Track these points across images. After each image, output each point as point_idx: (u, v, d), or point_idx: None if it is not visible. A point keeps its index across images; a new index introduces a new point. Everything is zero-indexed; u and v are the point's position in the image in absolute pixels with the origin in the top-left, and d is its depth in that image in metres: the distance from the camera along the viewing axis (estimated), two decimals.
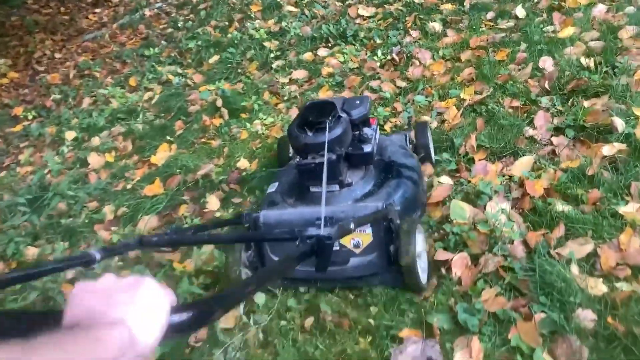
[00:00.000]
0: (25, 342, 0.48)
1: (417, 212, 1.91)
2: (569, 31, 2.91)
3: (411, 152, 2.14)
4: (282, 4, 4.64)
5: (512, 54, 2.89)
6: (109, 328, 0.55)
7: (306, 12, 4.29)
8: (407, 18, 3.69)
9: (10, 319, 0.62)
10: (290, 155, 2.20)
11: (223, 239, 1.88)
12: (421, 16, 3.64)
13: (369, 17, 3.92)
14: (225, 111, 3.23)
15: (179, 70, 4.01)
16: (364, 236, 1.71)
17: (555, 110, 2.38)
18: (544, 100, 2.44)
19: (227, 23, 4.66)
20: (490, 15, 3.43)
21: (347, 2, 4.29)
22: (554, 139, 2.25)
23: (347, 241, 1.72)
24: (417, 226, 1.70)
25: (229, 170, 2.64)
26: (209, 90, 3.51)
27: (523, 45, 2.94)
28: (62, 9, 6.37)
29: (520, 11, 3.32)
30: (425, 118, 2.59)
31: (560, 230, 1.77)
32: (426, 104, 2.71)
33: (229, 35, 4.21)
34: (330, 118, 1.75)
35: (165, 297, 0.62)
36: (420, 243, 1.72)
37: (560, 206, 1.86)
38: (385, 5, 3.98)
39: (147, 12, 5.72)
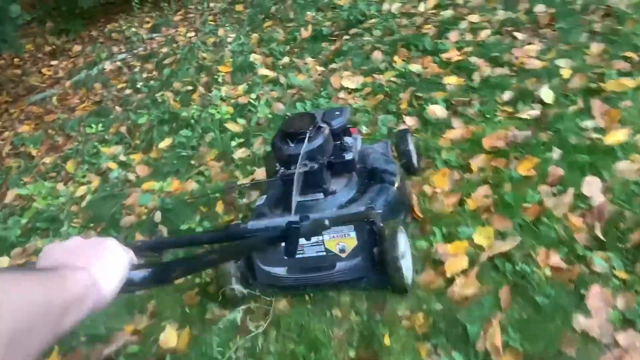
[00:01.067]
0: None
1: (401, 215, 1.96)
2: (617, 135, 2.15)
3: (392, 158, 2.18)
4: (255, 65, 3.92)
5: (542, 165, 2.13)
6: (74, 270, 0.61)
7: (282, 79, 3.55)
8: (401, 95, 2.95)
9: None
10: (277, 168, 2.10)
11: (204, 239, 1.71)
12: (419, 93, 2.90)
13: (355, 89, 3.18)
14: (164, 230, 2.48)
15: (123, 157, 3.26)
16: (348, 240, 1.75)
17: (618, 283, 1.61)
18: (598, 262, 1.67)
19: (190, 87, 3.94)
20: (507, 96, 2.68)
21: (330, 67, 3.56)
22: (621, 338, 1.48)
23: (333, 246, 1.77)
24: (399, 227, 1.75)
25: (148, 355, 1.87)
26: (151, 192, 2.76)
27: (556, 153, 2.18)
28: (16, 60, 5.66)
29: (546, 93, 2.56)
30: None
31: None
32: (424, 248, 1.94)
33: (185, 114, 3.46)
34: (310, 128, 1.84)
35: (125, 254, 0.70)
36: (403, 243, 1.75)
37: None
38: (374, 75, 3.25)
39: (108, 66, 5.01)
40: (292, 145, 1.84)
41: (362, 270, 1.78)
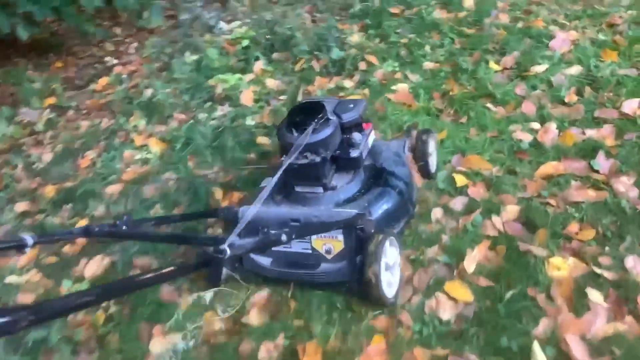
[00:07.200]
0: None
1: (400, 223, 1.91)
2: None
3: (406, 160, 2.11)
4: None
5: None
6: None
7: None
8: None
9: None
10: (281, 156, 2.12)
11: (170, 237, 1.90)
12: None
13: None
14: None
15: None
16: (335, 242, 1.74)
17: None
18: None
19: None
20: None
21: None
22: None
23: (319, 245, 1.77)
24: (389, 238, 1.71)
25: None
26: None
27: None
28: None
29: None
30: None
31: None
32: None
33: None
34: (316, 120, 1.80)
35: None
36: (391, 256, 1.73)
37: None
38: None
39: None
40: (295, 134, 1.79)
41: (346, 275, 1.75)
